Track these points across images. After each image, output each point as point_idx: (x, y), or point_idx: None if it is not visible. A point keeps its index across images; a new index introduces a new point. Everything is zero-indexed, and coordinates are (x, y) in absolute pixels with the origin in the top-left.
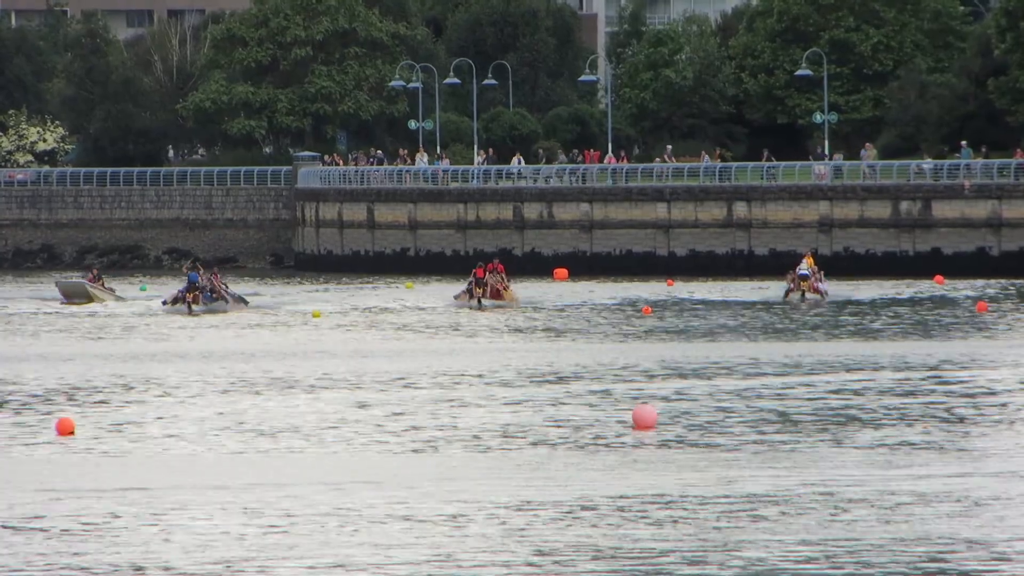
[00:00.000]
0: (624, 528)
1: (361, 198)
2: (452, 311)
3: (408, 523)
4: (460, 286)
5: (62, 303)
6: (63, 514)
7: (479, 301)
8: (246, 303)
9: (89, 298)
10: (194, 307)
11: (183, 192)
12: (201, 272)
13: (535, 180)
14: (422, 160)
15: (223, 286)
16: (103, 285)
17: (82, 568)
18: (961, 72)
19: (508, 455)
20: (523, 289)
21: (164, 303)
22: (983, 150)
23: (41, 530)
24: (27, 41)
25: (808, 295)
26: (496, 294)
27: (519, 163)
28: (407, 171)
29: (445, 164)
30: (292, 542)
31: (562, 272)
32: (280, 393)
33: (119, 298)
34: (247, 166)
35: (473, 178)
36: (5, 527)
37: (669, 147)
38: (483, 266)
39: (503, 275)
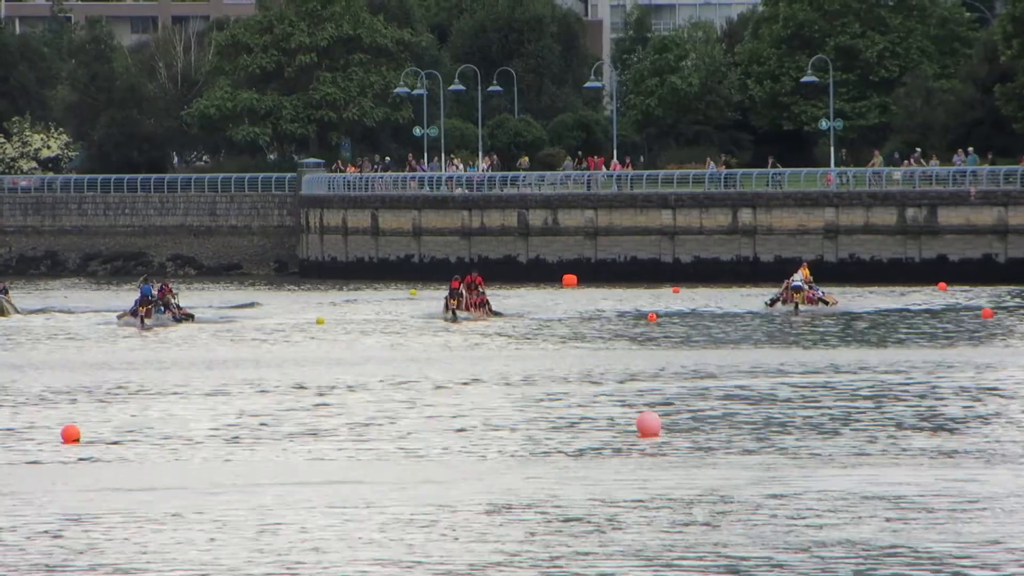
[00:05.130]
0: (625, 530)
1: (365, 204)
2: (432, 320)
3: (409, 523)
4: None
5: None
6: (73, 516)
7: (453, 313)
8: (192, 318)
9: (2, 312)
10: (146, 321)
11: (187, 199)
12: (154, 284)
13: (539, 187)
14: (458, 167)
15: (173, 299)
16: (10, 299)
17: (84, 570)
18: (967, 78)
19: (510, 460)
20: (528, 295)
21: (119, 316)
22: (989, 156)
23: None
24: (31, 47)
25: (802, 307)
26: (471, 307)
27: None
28: (411, 177)
29: (452, 170)
30: (294, 543)
31: (571, 279)
32: (279, 396)
33: (18, 311)
34: (251, 173)
35: (476, 185)
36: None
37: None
38: (459, 278)
39: (480, 287)
